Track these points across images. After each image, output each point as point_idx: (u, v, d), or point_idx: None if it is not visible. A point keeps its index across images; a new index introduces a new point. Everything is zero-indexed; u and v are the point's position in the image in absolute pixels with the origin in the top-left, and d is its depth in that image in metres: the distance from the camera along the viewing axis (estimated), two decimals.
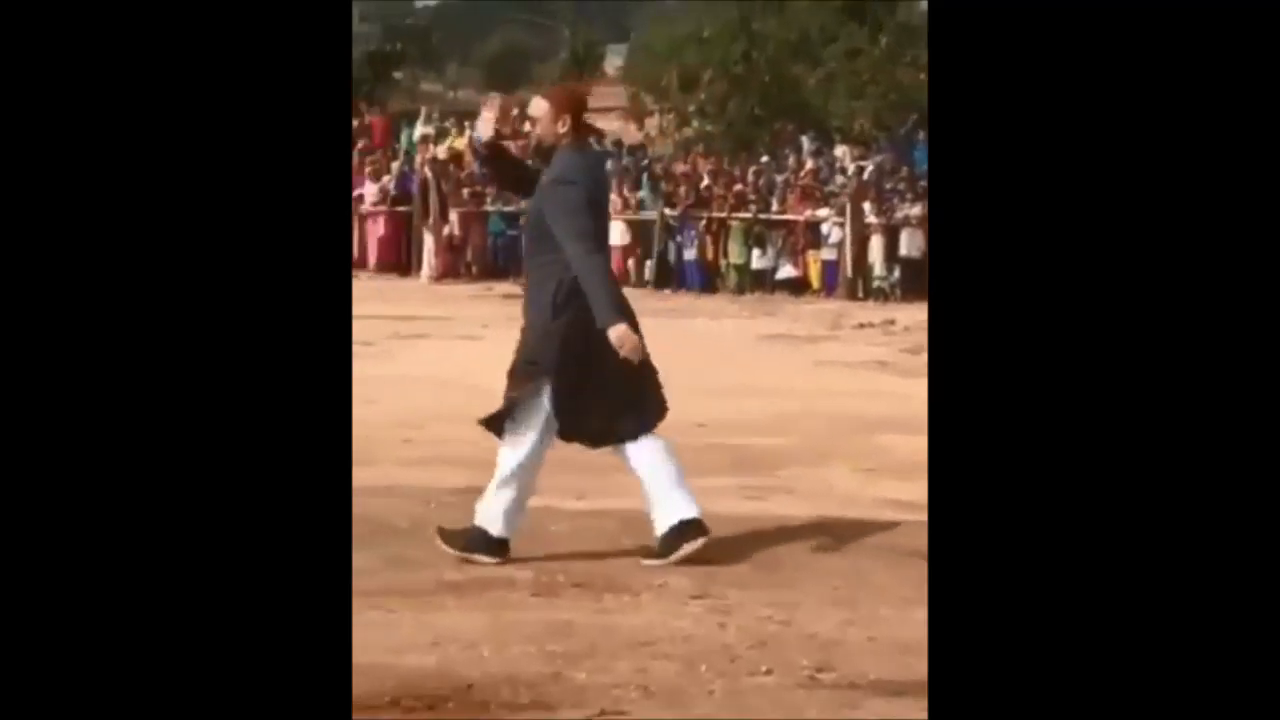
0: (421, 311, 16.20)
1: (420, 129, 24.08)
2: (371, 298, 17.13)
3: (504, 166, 6.57)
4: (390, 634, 5.02)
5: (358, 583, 5.60)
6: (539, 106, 6.19)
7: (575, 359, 5.98)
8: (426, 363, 12.33)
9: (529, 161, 6.59)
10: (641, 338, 5.99)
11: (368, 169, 22.52)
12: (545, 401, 6.01)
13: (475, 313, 16.78)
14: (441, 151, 22.79)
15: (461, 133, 23.47)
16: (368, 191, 22.46)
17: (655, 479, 6.06)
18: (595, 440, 6.18)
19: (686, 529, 5.99)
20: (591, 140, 7.12)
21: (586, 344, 5.94)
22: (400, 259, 22.15)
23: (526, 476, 6.09)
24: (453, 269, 21.81)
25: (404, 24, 36.16)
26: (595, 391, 6.02)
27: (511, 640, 4.95)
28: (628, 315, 5.97)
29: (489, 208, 22.10)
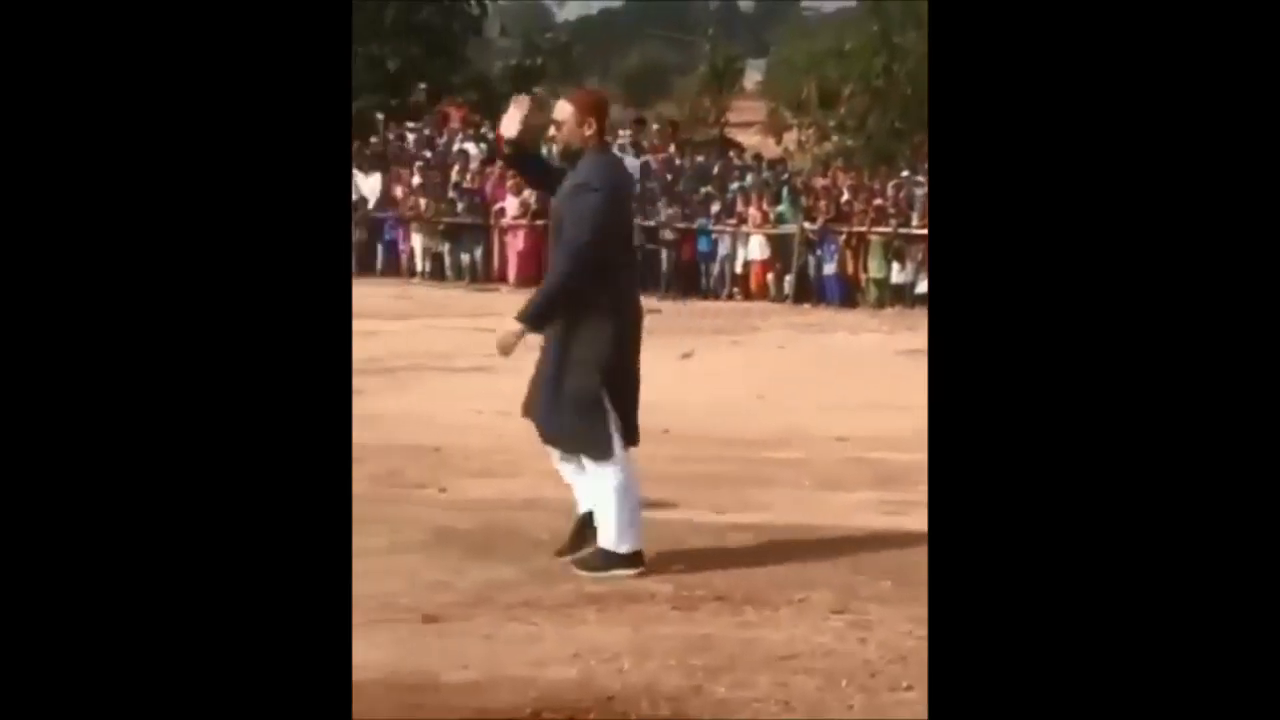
0: None
1: None
2: (512, 311, 17.22)
3: (530, 164, 6.60)
4: (532, 647, 5.05)
5: (500, 595, 5.67)
6: (564, 109, 6.19)
7: (624, 362, 6.08)
8: None
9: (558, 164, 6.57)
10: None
11: (508, 183, 22.70)
12: (608, 407, 6.04)
13: None
14: None
15: None
16: (509, 205, 22.63)
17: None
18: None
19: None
20: (610, 143, 7.30)
21: (624, 346, 6.05)
22: (540, 272, 22.28)
23: (633, 483, 6.11)
24: None
25: (544, 39, 36.41)
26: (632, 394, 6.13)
27: (652, 653, 4.96)
28: (537, 327, 6.02)
29: None
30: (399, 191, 23.70)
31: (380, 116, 27.68)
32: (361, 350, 13.31)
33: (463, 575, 5.93)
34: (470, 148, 24.87)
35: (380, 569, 5.98)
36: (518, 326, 5.97)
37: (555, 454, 6.25)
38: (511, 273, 22.37)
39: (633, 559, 6.04)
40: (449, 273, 22.75)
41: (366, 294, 20.12)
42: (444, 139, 25.75)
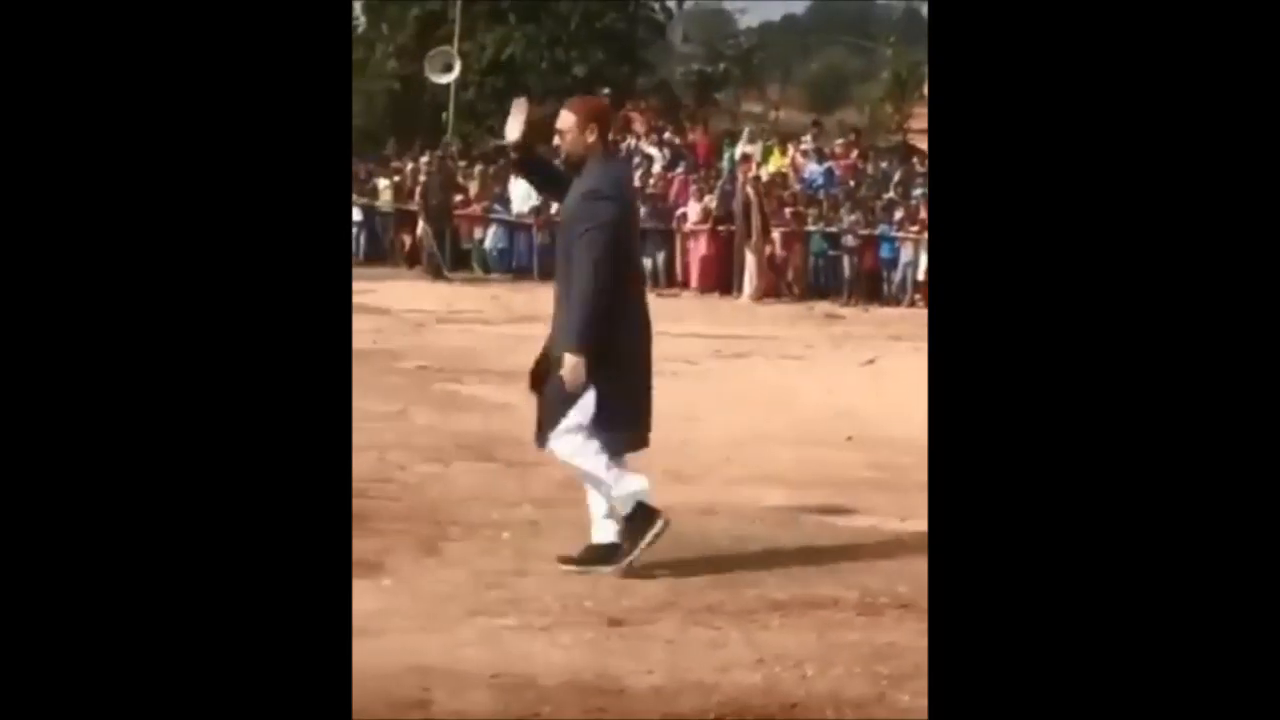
0: (742, 331, 16.28)
1: (742, 148, 24.22)
2: (693, 316, 17.29)
3: (536, 169, 6.58)
4: (716, 652, 5.07)
5: (684, 600, 5.69)
6: (565, 118, 6.19)
7: (630, 368, 6.09)
8: (748, 382, 12.39)
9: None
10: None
11: (691, 188, 22.75)
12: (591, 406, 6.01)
13: (796, 333, 16.78)
14: (764, 171, 22.90)
15: (784, 153, 23.59)
16: (691, 211, 22.67)
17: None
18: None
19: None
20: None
21: (634, 356, 6.10)
22: (722, 278, 22.29)
23: (619, 484, 6.13)
24: (774, 289, 21.86)
25: (727, 45, 36.42)
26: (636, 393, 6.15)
27: (836, 660, 4.95)
28: (588, 349, 5.92)
29: (810, 227, 22.11)
30: None
31: None
32: None
33: (646, 579, 5.96)
34: (653, 152, 24.96)
35: (565, 572, 6.05)
36: (578, 358, 5.93)
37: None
38: (693, 278, 22.39)
39: (610, 554, 6.06)
40: None
41: (550, 297, 20.22)
42: (626, 144, 25.87)
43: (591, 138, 6.14)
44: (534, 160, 6.53)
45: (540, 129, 6.54)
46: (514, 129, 6.39)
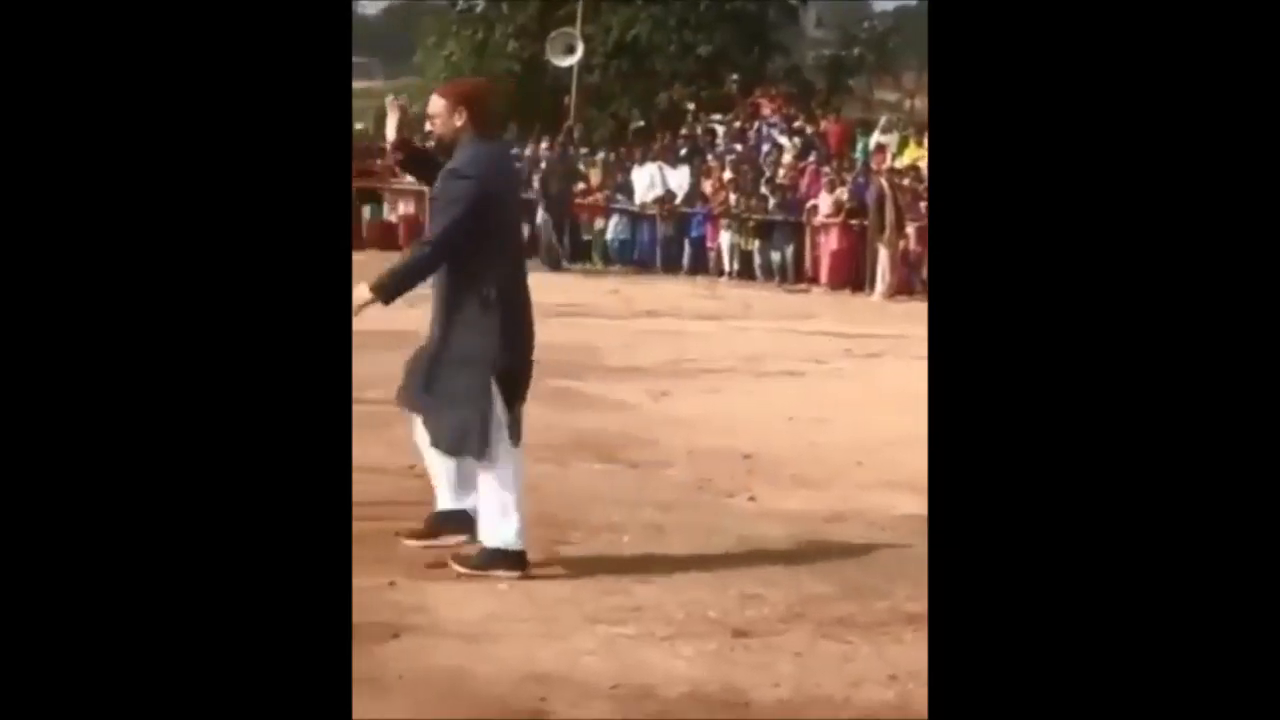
0: (875, 329, 16.20)
1: (877, 138, 24.10)
2: (822, 313, 17.25)
3: (419, 164, 6.72)
4: (846, 666, 5.06)
5: (812, 611, 5.68)
6: (435, 103, 6.31)
7: (516, 358, 6.14)
8: (880, 383, 12.33)
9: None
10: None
11: (822, 180, 22.66)
12: (494, 406, 6.09)
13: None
14: (899, 163, 22.75)
15: (920, 144, 23.41)
16: (822, 203, 22.58)
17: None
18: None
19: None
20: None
21: (520, 341, 6.16)
22: (853, 274, 22.19)
23: (519, 483, 6.16)
24: (908, 286, 21.72)
25: (861, 29, 36.25)
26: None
27: None
28: (387, 299, 5.99)
29: None
30: (708, 186, 23.85)
31: (690, 107, 27.92)
32: (668, 350, 13.53)
33: (773, 589, 5.94)
34: (783, 141, 24.90)
35: (687, 579, 6.05)
36: (368, 294, 6.00)
37: (424, 439, 6.31)
38: (824, 273, 22.30)
39: (516, 559, 6.09)
40: (758, 272, 22.80)
41: (672, 291, 20.37)
42: (755, 131, 25.84)
43: (460, 120, 6.24)
44: (415, 154, 6.73)
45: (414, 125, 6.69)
46: (390, 129, 6.62)
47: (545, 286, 21.07)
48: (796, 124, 25.60)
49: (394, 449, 7.45)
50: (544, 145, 24.92)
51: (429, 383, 6.19)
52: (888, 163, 22.31)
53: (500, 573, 6.08)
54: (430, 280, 6.24)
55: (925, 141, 24.11)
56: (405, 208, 24.69)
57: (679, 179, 24.06)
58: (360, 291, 5.93)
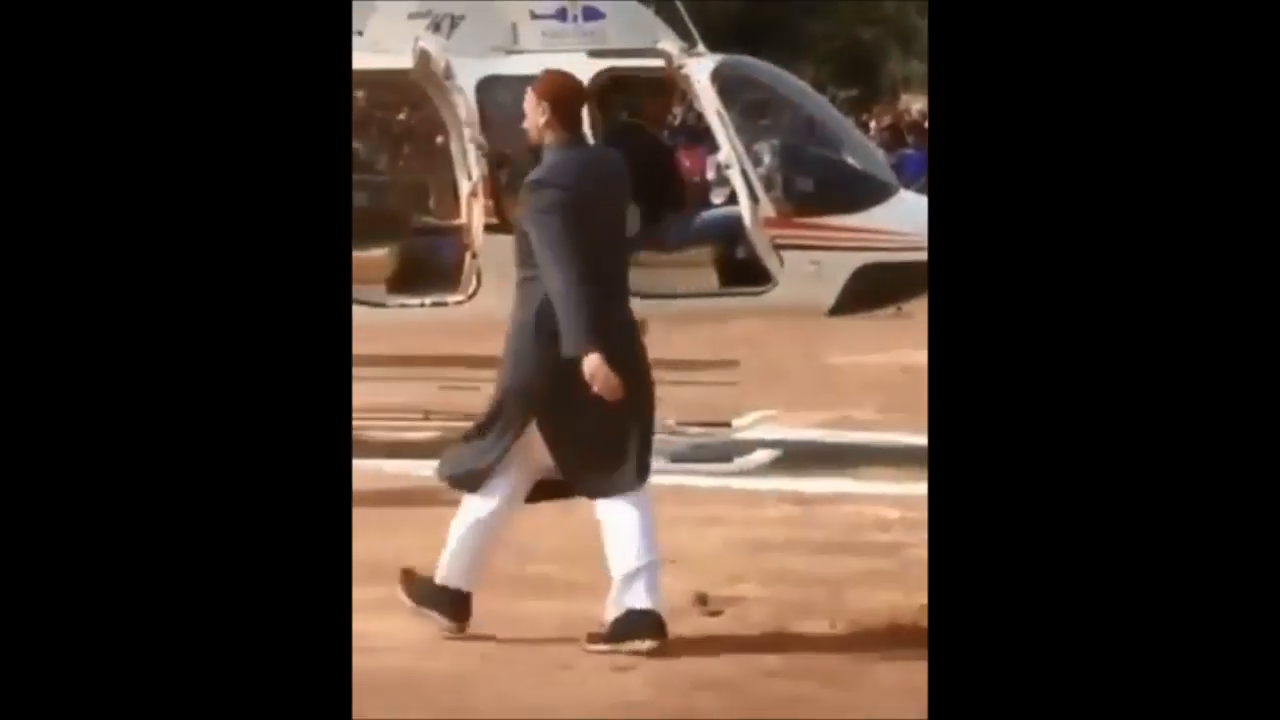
0: None
1: None
2: None
3: None
4: None
5: None
6: (528, 100, 5.95)
7: (566, 390, 5.68)
8: None
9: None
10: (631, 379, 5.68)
11: None
12: (531, 440, 5.82)
13: None
14: None
15: None
16: None
17: (614, 547, 5.80)
18: (575, 490, 5.94)
19: (636, 622, 5.75)
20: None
21: (575, 375, 5.64)
22: None
23: (499, 525, 5.94)
24: None
25: None
26: (584, 432, 5.77)
27: None
28: (606, 344, 5.61)
29: None
30: None
31: None
32: None
33: None
34: None
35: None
36: (595, 356, 5.60)
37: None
38: None
39: (456, 600, 6.00)
40: None
41: None
42: None
43: (543, 118, 5.87)
44: None
45: None
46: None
47: None
48: None
49: None
50: None
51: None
52: None
53: (437, 615, 6.05)
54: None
55: None
56: None
57: None
58: (589, 364, 5.56)
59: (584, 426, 5.76)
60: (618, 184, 6.08)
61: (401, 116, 16.44)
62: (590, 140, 6.67)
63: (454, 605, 6.00)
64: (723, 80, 10.05)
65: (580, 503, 6.12)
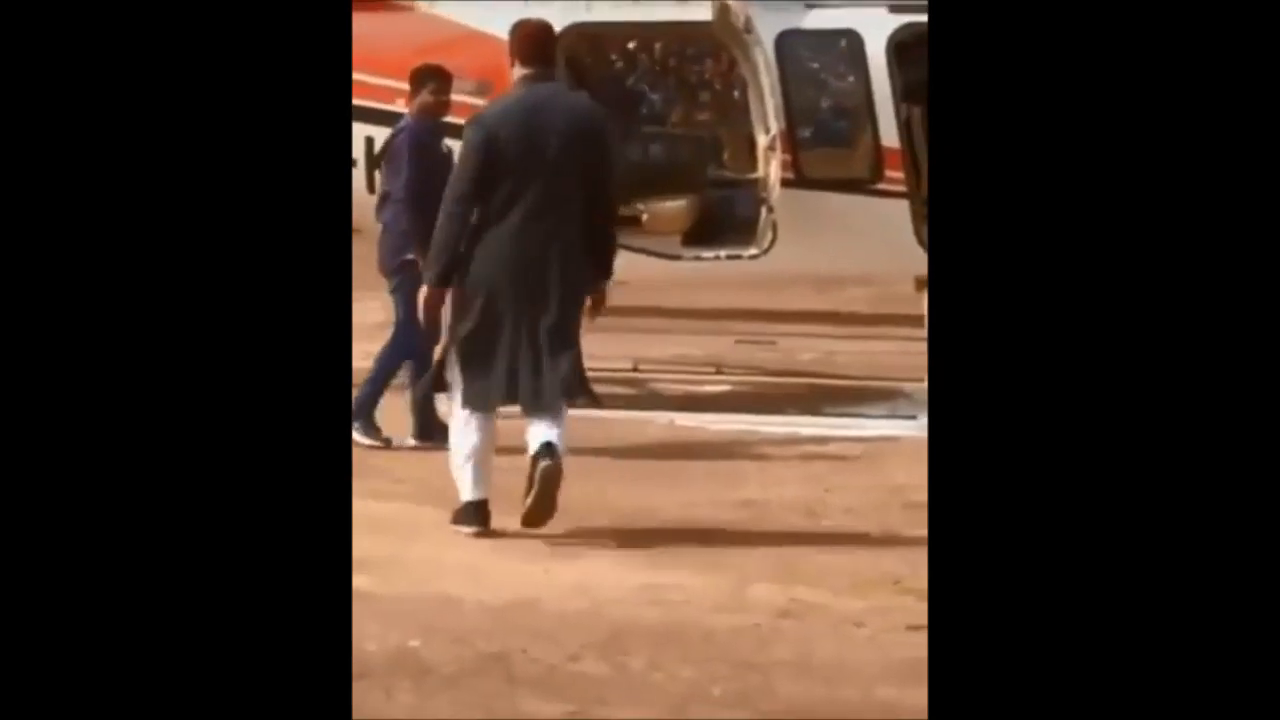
0: None
1: None
2: None
3: None
4: None
5: None
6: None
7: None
8: None
9: None
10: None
11: None
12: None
13: None
14: None
15: None
16: None
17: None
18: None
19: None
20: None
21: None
22: None
23: (494, 437, 6.95)
24: None
25: None
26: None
27: None
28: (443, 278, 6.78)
29: None
30: None
31: None
32: None
33: None
34: None
35: None
36: (424, 288, 7.01)
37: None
38: None
39: (481, 509, 6.88)
40: None
41: None
42: None
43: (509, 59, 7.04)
44: None
45: None
46: None
47: None
48: None
49: None
50: None
51: None
52: None
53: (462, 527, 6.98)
54: None
55: None
56: None
57: None
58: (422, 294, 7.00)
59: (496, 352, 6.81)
60: (558, 126, 6.80)
61: (698, 69, 16.60)
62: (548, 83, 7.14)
63: (480, 514, 6.88)
64: None
65: None
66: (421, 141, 8.60)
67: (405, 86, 9.04)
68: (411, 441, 8.57)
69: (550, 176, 6.73)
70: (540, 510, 6.67)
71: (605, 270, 7.00)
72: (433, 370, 7.22)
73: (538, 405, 6.72)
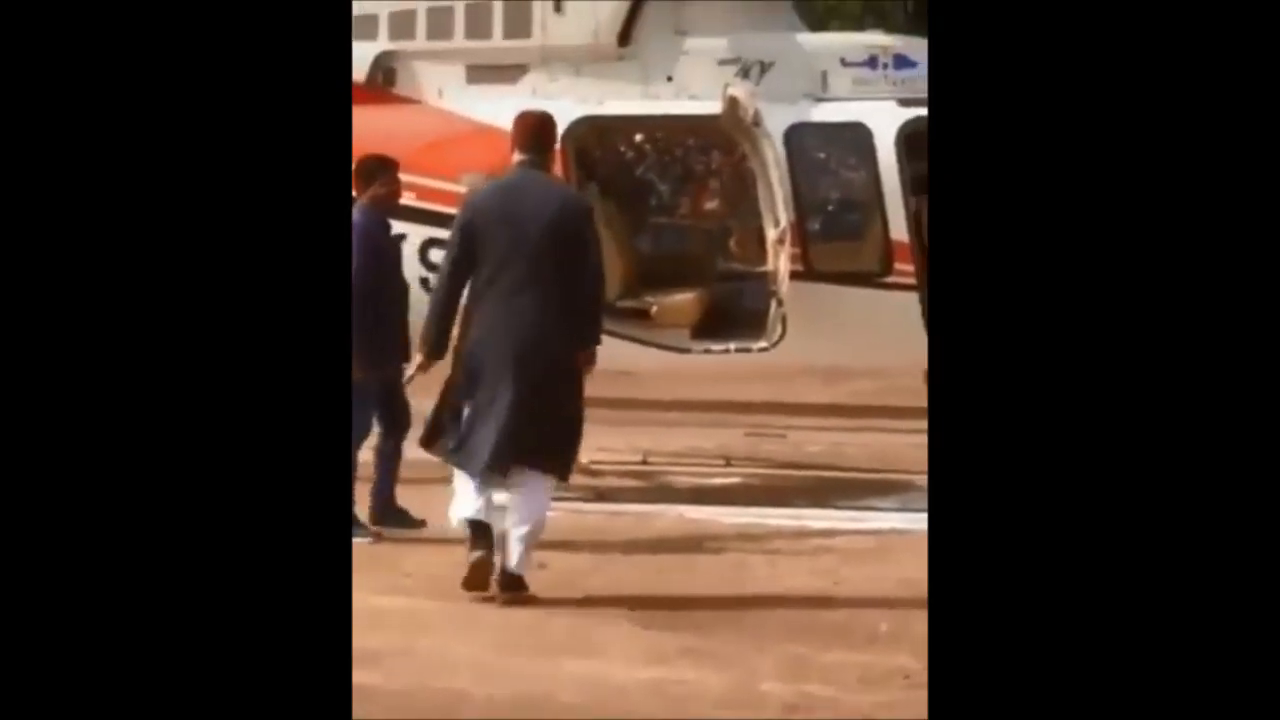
0: None
1: None
2: None
3: None
4: None
5: None
6: None
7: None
8: None
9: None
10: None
11: None
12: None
13: None
14: None
15: None
16: None
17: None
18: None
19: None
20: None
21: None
22: None
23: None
24: None
25: None
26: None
27: None
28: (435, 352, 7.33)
29: None
30: None
31: None
32: None
33: None
34: None
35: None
36: (417, 357, 7.55)
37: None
38: None
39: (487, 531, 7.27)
40: None
41: None
42: None
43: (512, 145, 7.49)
44: None
45: None
46: None
47: None
48: None
49: None
50: None
51: None
52: None
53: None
54: None
55: None
56: None
57: None
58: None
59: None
60: (536, 210, 7.27)
61: (705, 159, 16.67)
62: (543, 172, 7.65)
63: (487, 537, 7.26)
64: None
65: None
66: (370, 233, 8.75)
67: (418, 180, 9.23)
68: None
69: (531, 255, 7.19)
70: (470, 584, 7.21)
71: (592, 338, 7.41)
72: (426, 427, 7.49)
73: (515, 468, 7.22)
